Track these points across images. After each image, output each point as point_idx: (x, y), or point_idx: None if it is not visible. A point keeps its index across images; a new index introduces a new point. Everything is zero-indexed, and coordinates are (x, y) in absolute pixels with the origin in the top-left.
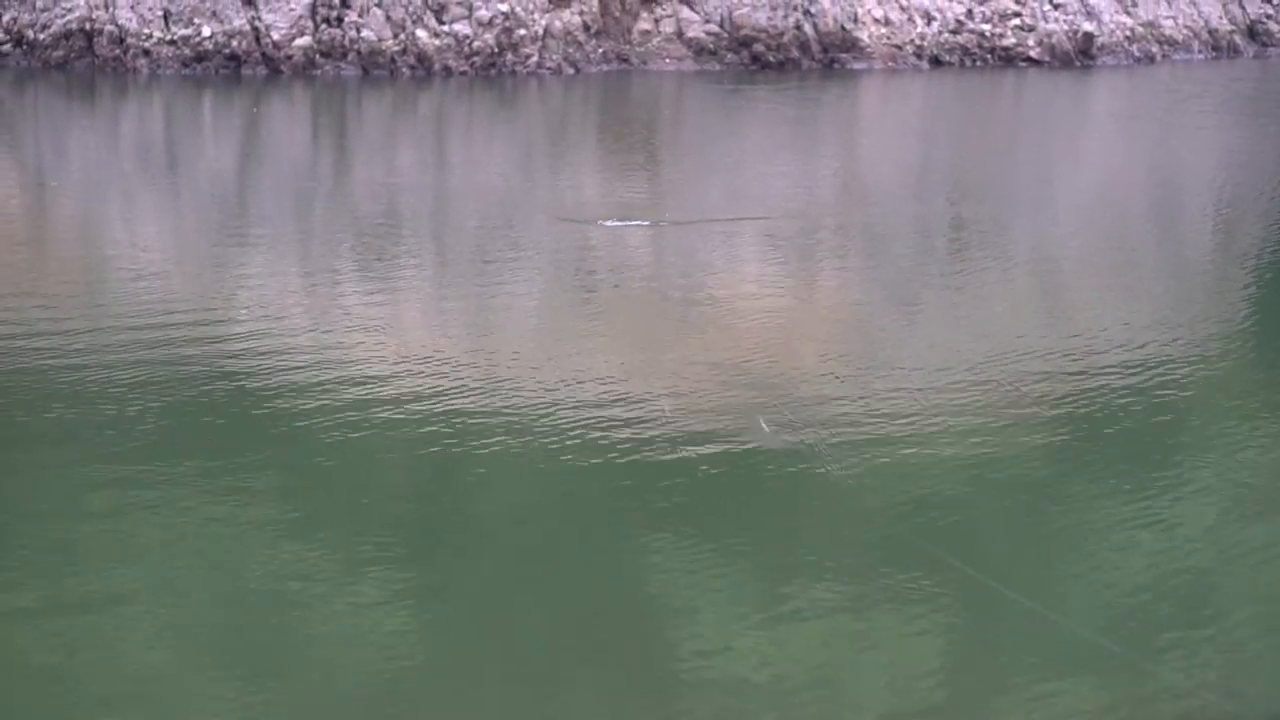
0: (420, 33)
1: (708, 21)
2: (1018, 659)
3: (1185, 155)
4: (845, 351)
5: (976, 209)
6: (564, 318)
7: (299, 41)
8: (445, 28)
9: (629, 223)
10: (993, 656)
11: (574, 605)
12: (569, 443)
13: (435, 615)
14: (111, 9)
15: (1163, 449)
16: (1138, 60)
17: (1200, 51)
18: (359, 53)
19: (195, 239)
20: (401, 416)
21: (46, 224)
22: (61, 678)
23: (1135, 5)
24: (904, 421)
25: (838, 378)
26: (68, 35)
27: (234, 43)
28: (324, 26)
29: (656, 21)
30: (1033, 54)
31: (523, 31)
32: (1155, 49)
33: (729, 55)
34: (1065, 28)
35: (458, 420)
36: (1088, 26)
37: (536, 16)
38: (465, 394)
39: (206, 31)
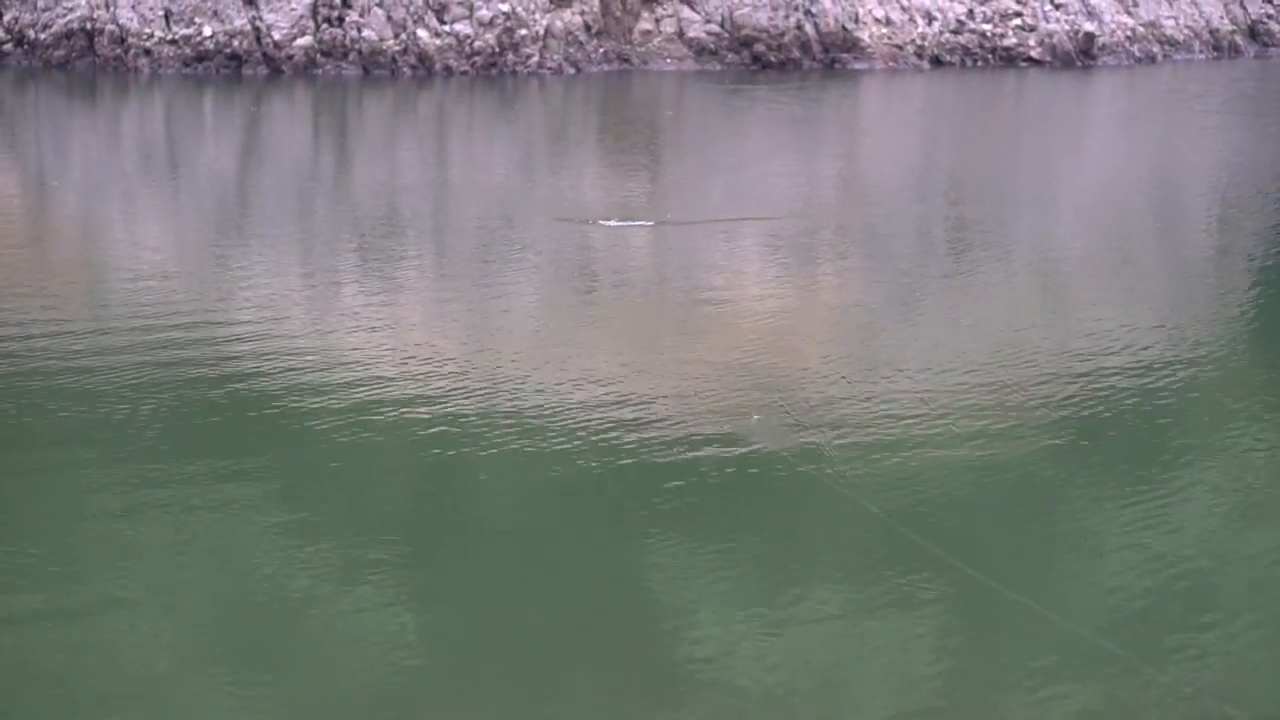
0: (421, 32)
1: (708, 21)
2: (1019, 661)
3: (1187, 155)
4: (848, 352)
5: (979, 209)
6: (565, 318)
7: (300, 41)
8: (446, 27)
9: (630, 223)
10: (994, 659)
11: (575, 606)
12: (570, 443)
13: (437, 616)
14: (112, 8)
15: (1165, 451)
16: (1139, 60)
17: (1201, 52)
18: (360, 52)
19: (196, 239)
20: (404, 417)
21: (48, 224)
22: (64, 679)
23: (1136, 5)
24: (907, 422)
25: (842, 378)
26: (69, 35)
27: (235, 42)
28: (325, 26)
29: (657, 21)
30: (1034, 54)
31: (524, 31)
32: (1156, 49)
33: (730, 55)
34: (1066, 28)
35: (460, 421)
36: (1089, 26)
37: (537, 16)
38: (467, 395)
39: (207, 31)
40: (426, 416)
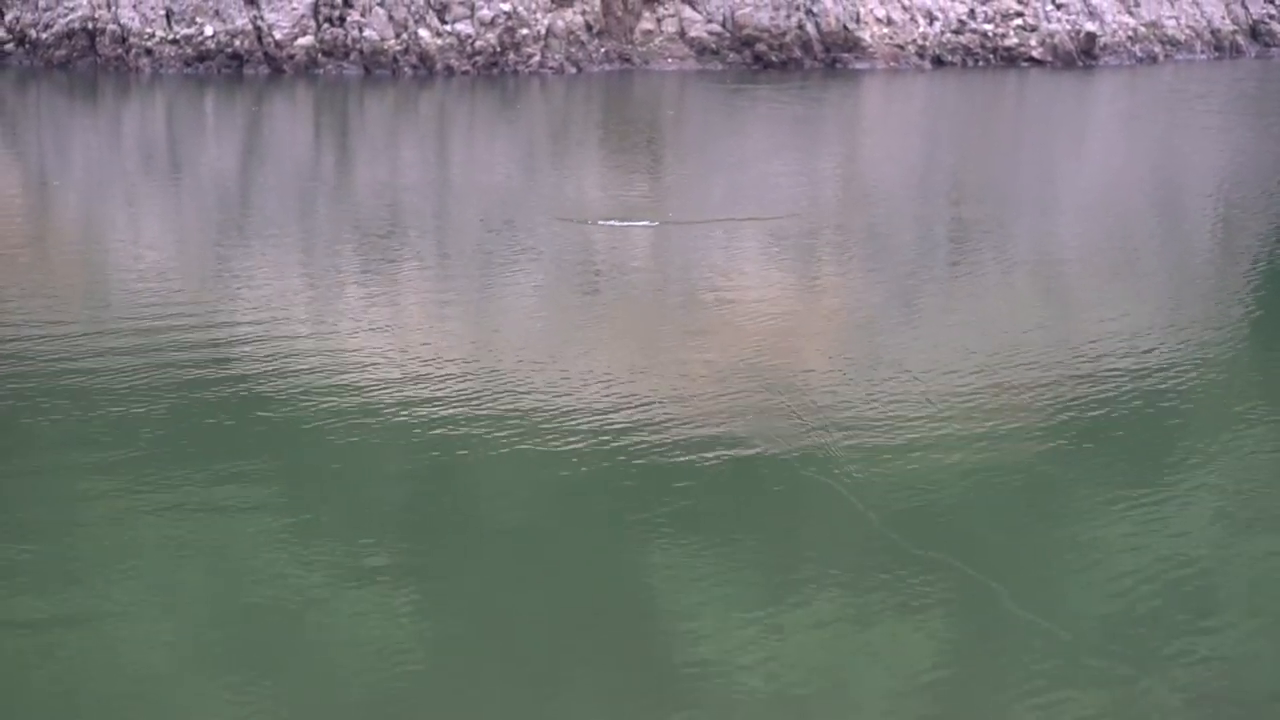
0: (422, 32)
1: (710, 21)
2: (1021, 664)
3: (1189, 156)
4: (851, 352)
5: (980, 210)
6: (567, 318)
7: (301, 41)
8: (447, 27)
9: (631, 223)
10: (996, 661)
11: (576, 607)
12: (572, 444)
13: (437, 616)
14: (114, 8)
15: (1169, 453)
16: (1140, 60)
17: (1202, 52)
18: (361, 52)
19: (198, 239)
20: (405, 418)
21: (50, 224)
22: (64, 680)
23: (1138, 5)
24: (912, 424)
25: (846, 379)
26: (70, 34)
27: (236, 42)
28: (326, 26)
29: (659, 21)
30: (1035, 54)
31: (525, 31)
32: (1158, 49)
33: (731, 55)
34: (1068, 28)
35: (462, 422)
36: (1090, 26)
37: (539, 16)
38: (469, 395)
39: (209, 31)
40: (428, 417)
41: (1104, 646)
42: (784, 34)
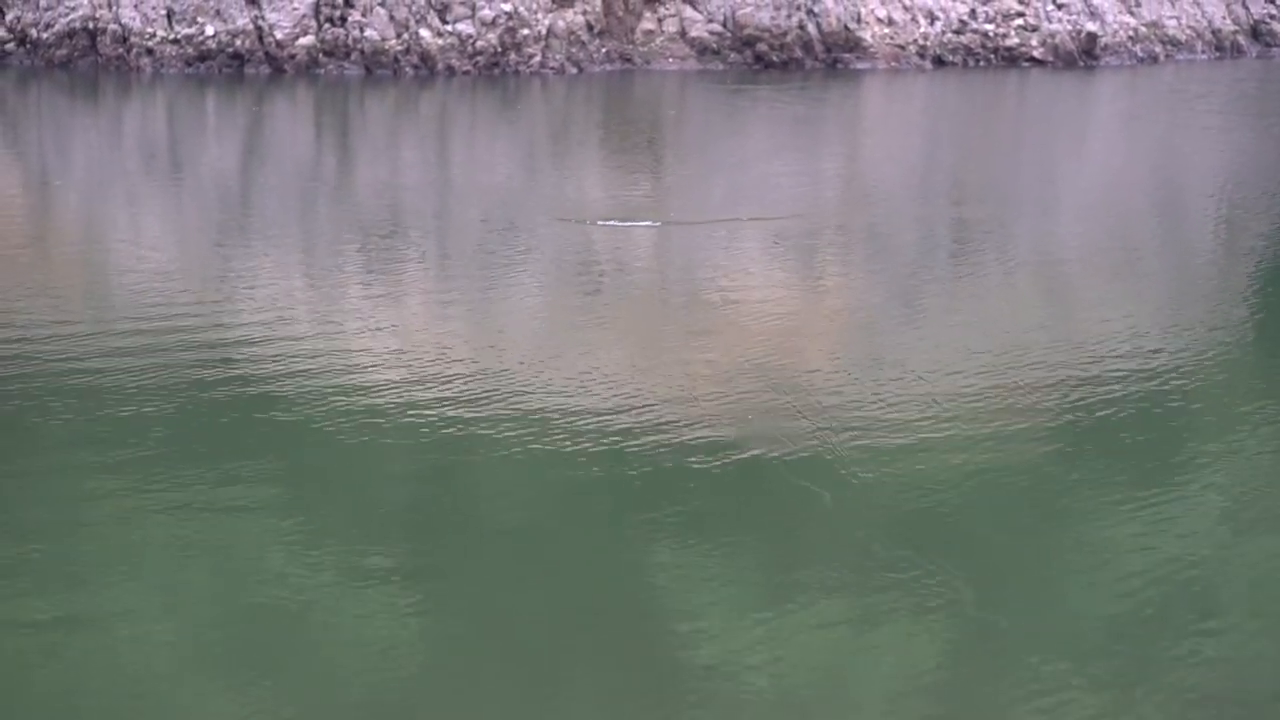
0: (423, 32)
1: (711, 21)
2: (1023, 664)
3: (1191, 156)
4: (855, 353)
5: (983, 210)
6: (569, 318)
7: (302, 41)
8: (448, 27)
9: (633, 223)
10: (998, 661)
11: (578, 607)
12: (574, 444)
13: (438, 617)
14: (115, 8)
15: (1173, 454)
16: (1141, 60)
17: (1203, 52)
18: (362, 52)
19: (200, 239)
20: (407, 418)
21: (52, 224)
22: (66, 681)
23: (1138, 5)
24: (916, 424)
25: (850, 380)
26: (71, 34)
27: (237, 42)
28: (327, 26)
29: (660, 21)
30: (1036, 54)
31: (526, 31)
32: (1158, 49)
33: (732, 55)
34: (1068, 28)
35: (464, 422)
36: (1091, 26)
37: (540, 16)
38: (471, 395)
39: (210, 30)
40: (432, 417)
41: (1107, 647)
42: (785, 34)
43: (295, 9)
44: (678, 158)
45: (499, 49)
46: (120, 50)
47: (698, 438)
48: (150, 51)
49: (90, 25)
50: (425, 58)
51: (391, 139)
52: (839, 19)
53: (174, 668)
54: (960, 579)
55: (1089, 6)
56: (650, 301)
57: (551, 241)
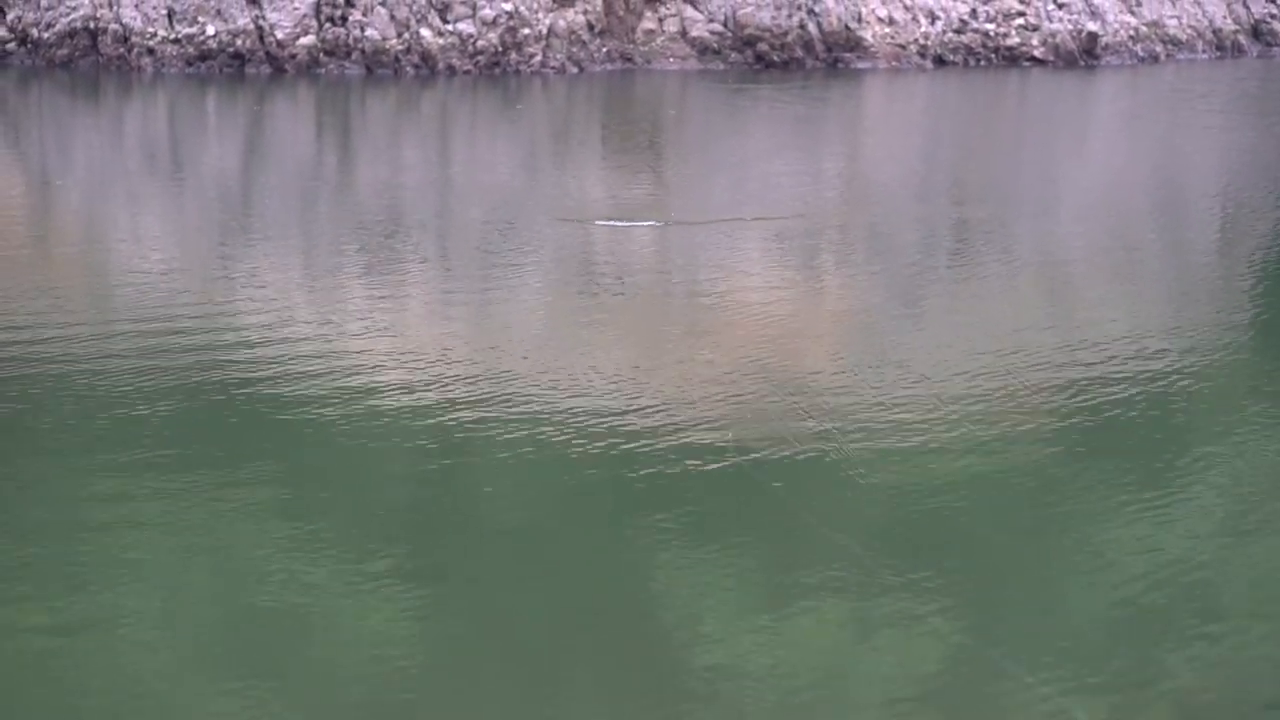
0: (424, 32)
1: (711, 21)
2: (1021, 655)
3: (1192, 155)
4: (859, 354)
5: (985, 210)
6: (571, 319)
7: (303, 40)
8: (449, 27)
9: (635, 223)
10: (1000, 665)
11: (577, 607)
12: (575, 444)
13: (439, 617)
14: (116, 8)
15: (1177, 456)
16: (1141, 60)
17: (1204, 51)
18: (363, 52)
19: (201, 239)
20: (412, 420)
21: (53, 223)
22: (65, 683)
23: (1139, 5)
24: (920, 425)
25: (854, 381)
26: (72, 34)
27: (238, 41)
28: (328, 25)
29: (660, 21)
30: (1037, 54)
31: (527, 31)
32: (1159, 49)
33: (733, 55)
34: (1069, 27)
35: (468, 424)
36: (1092, 26)
37: (540, 16)
38: (473, 396)
39: (210, 30)
40: (431, 418)
41: (1109, 650)
42: (785, 34)
43: (296, 9)
44: (679, 157)
45: (500, 48)
46: (121, 50)
47: (700, 438)
48: (151, 51)
49: (91, 25)
50: (426, 57)
51: (392, 138)
52: (840, 19)
53: (175, 669)
54: (963, 582)
55: (1090, 6)
56: (652, 301)
57: (553, 242)
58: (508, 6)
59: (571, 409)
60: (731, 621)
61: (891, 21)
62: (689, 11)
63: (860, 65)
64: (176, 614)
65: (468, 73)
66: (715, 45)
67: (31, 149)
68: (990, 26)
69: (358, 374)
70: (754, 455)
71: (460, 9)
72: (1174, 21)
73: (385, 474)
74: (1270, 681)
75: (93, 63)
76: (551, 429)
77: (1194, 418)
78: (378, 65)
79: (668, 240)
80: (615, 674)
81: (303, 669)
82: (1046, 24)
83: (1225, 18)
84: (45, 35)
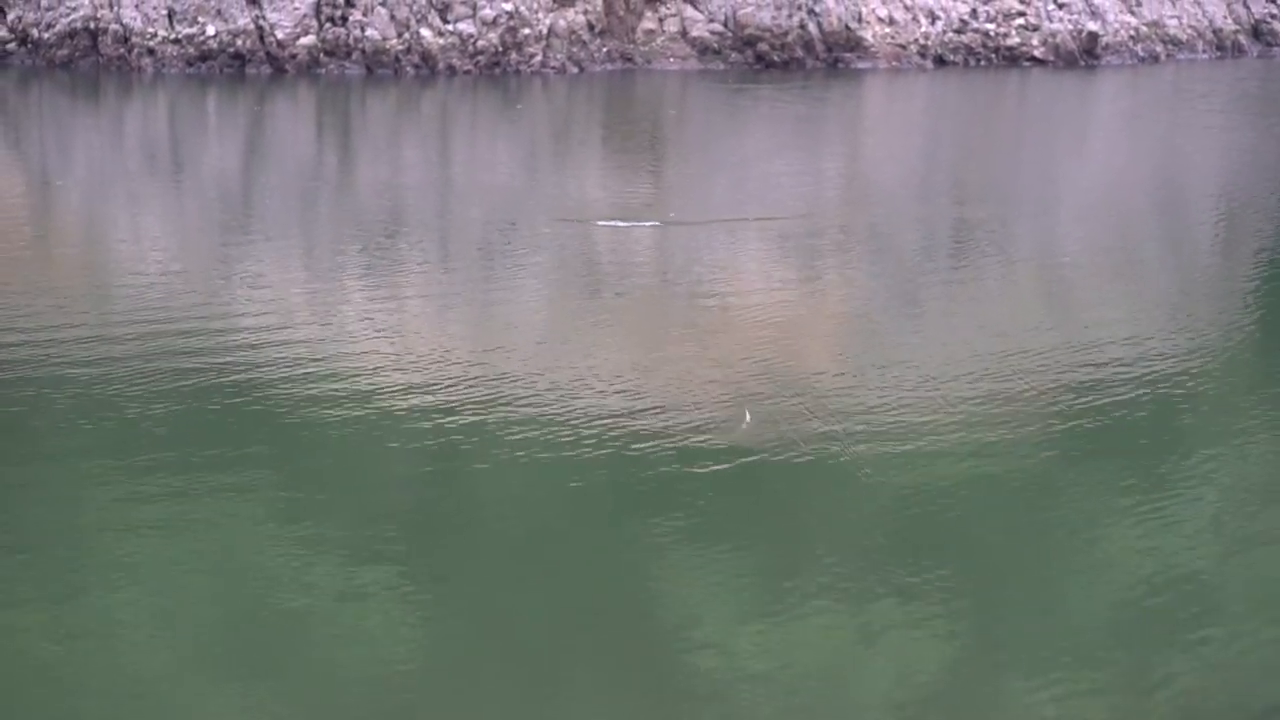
0: (424, 32)
1: (712, 21)
2: (1026, 670)
3: (1193, 155)
4: (862, 355)
5: (986, 210)
6: (573, 319)
7: (303, 40)
8: (449, 27)
9: (636, 223)
10: (1001, 668)
11: (578, 607)
12: (581, 446)
13: (439, 617)
14: (116, 8)
15: (1180, 459)
16: (1142, 60)
17: (1204, 51)
18: (363, 52)
19: (202, 240)
20: (413, 422)
21: (55, 224)
22: (65, 679)
23: (1139, 5)
24: (923, 427)
25: (858, 382)
26: (72, 34)
27: (238, 42)
28: (328, 25)
29: (660, 21)
30: (1037, 54)
31: (527, 31)
32: (1159, 49)
33: (733, 55)
34: (1069, 27)
35: (469, 425)
36: (1092, 26)
37: (541, 16)
38: (476, 397)
39: (211, 30)
40: (433, 419)
41: (1109, 654)
42: (786, 33)
43: (296, 9)
44: (679, 157)
45: (500, 48)
46: (121, 50)
47: (702, 439)
48: (151, 51)
49: (91, 25)
50: (426, 57)
51: (393, 139)
52: (840, 19)
53: (176, 670)
54: (965, 585)
55: (1090, 6)
56: (654, 302)
57: (554, 242)
58: (508, 6)
59: (573, 410)
60: (733, 623)
61: (892, 21)
62: (689, 11)
63: (860, 65)
64: (178, 615)
65: (468, 73)
66: (715, 45)
67: (32, 149)
68: (990, 26)
69: (359, 375)
70: (758, 456)
71: (460, 9)
72: (1174, 21)
73: (386, 475)
74: (1272, 684)
75: (93, 63)
76: (553, 430)
77: (1196, 420)
78: (378, 65)
79: (669, 240)
80: (616, 675)
81: (304, 670)
82: (1047, 24)
83: (1225, 18)
84: (45, 35)
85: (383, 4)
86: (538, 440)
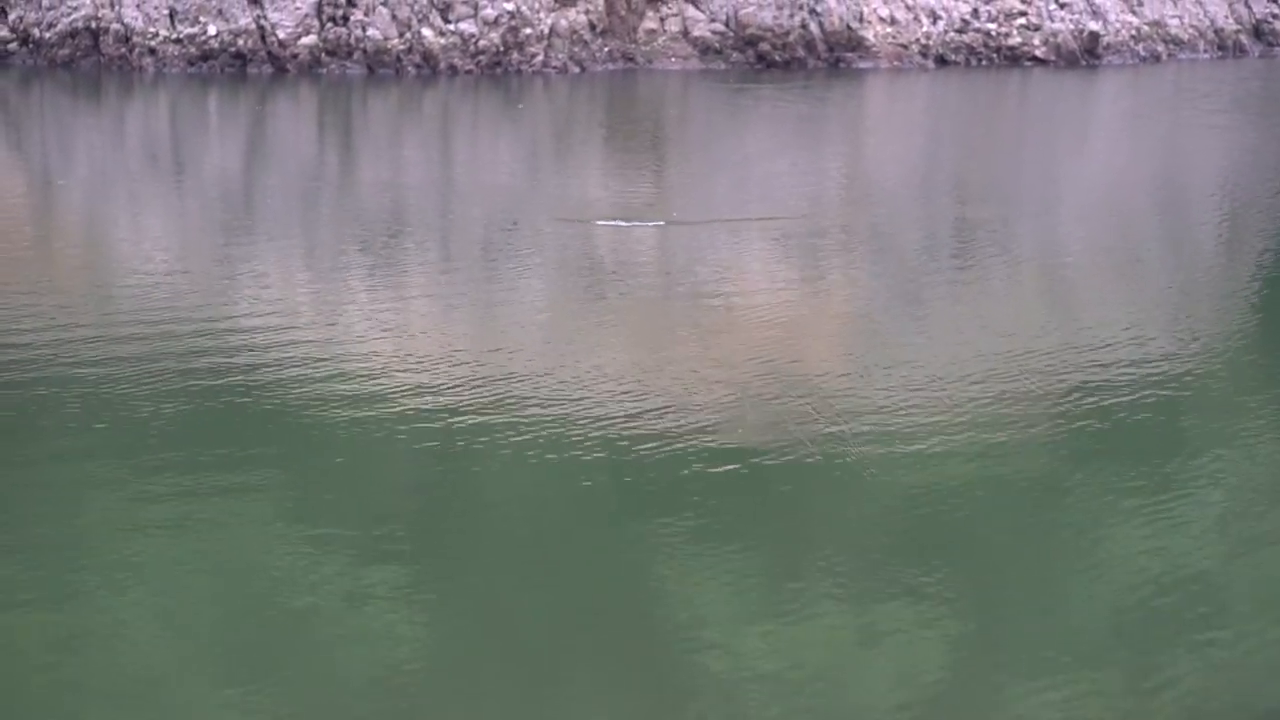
0: (426, 31)
1: (713, 20)
2: (1024, 657)
3: (1196, 155)
4: (866, 356)
5: (988, 210)
6: (576, 319)
7: (304, 40)
8: (451, 26)
9: (639, 223)
10: (1003, 670)
11: (583, 605)
12: (583, 446)
13: (440, 617)
14: (117, 7)
15: (1183, 462)
16: (1143, 60)
17: (1206, 51)
18: (364, 51)
19: (204, 239)
20: (413, 422)
21: (57, 223)
22: (66, 677)
23: (1141, 4)
24: (927, 428)
25: (862, 383)
26: (73, 34)
27: (239, 41)
28: (329, 25)
29: (662, 20)
30: (1038, 53)
31: (528, 30)
32: (1161, 48)
33: (734, 54)
34: (1071, 27)
35: (472, 426)
36: (1093, 26)
37: (542, 15)
38: (479, 397)
39: (212, 30)
40: (436, 420)
41: (1112, 655)
42: (787, 33)
43: (297, 8)
44: (681, 157)
45: (501, 48)
46: (123, 50)
47: (708, 439)
48: (153, 51)
49: (93, 25)
50: (427, 57)
51: (394, 138)
52: (841, 18)
53: (180, 670)
54: (967, 587)
55: (1091, 6)
56: (657, 302)
57: (556, 242)
58: (509, 6)
59: (579, 410)
60: (738, 623)
61: (893, 21)
62: (690, 11)
63: (862, 65)
64: (182, 616)
65: (469, 72)
66: (717, 45)
67: (33, 149)
68: (992, 26)
69: (364, 376)
70: (764, 456)
71: (462, 9)
72: (1175, 21)
73: (392, 475)
74: (1277, 685)
75: (94, 63)
76: (559, 430)
77: (1201, 420)
78: (379, 65)
79: (671, 240)
80: (622, 676)
81: (308, 670)
82: (1048, 24)
83: (1227, 17)
84: (47, 35)
85: (384, 4)
86: (543, 441)
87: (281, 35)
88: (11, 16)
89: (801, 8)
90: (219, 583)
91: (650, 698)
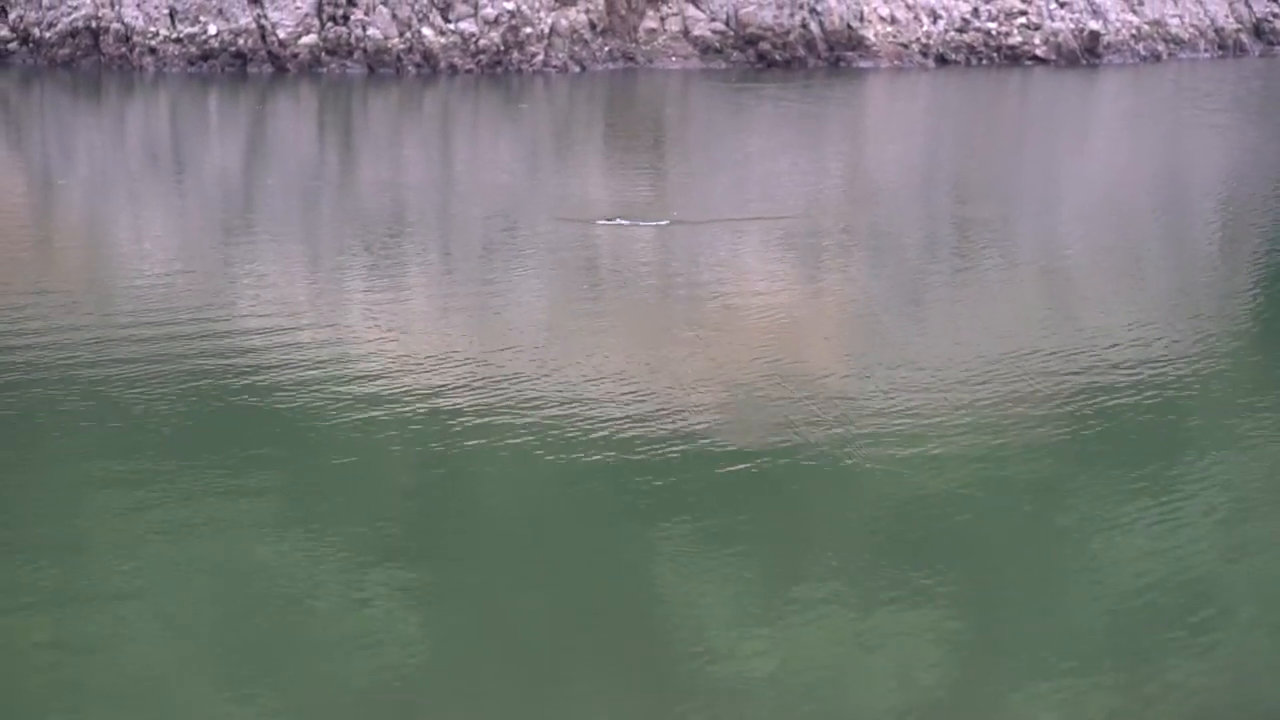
0: (426, 31)
1: (713, 20)
2: (1025, 658)
3: (1197, 154)
4: (868, 354)
5: (989, 209)
6: (579, 318)
7: (305, 39)
8: (451, 26)
9: (640, 222)
10: (1003, 670)
11: (583, 606)
12: (583, 444)
13: (440, 616)
14: (117, 7)
15: (1185, 464)
16: (1143, 59)
17: (1206, 50)
18: (365, 51)
19: (205, 239)
20: (414, 422)
21: (58, 223)
22: (67, 675)
23: (1141, 4)
24: (929, 429)
25: (864, 383)
26: (74, 33)
27: (240, 41)
28: (330, 24)
29: (662, 20)
30: (1038, 52)
31: (529, 30)
32: (1161, 48)
33: (735, 54)
34: (1071, 26)
35: (471, 425)
36: (1094, 25)
37: (542, 15)
38: (481, 397)
39: (212, 29)
40: (438, 419)
41: (1112, 655)
42: (788, 33)
43: (298, 8)
44: (682, 156)
45: (501, 47)
46: (123, 49)
47: (706, 439)
48: (153, 51)
49: (93, 24)
50: (428, 56)
51: (395, 138)
52: (842, 18)
53: (175, 663)
54: (968, 588)
55: (1091, 5)
56: (659, 301)
57: (557, 241)
58: (509, 5)
59: (580, 411)
60: (738, 624)
61: (893, 20)
62: (691, 10)
63: (862, 64)
64: (182, 616)
65: (469, 72)
66: (717, 44)
67: (34, 148)
68: (992, 25)
69: (365, 377)
70: (765, 458)
71: (462, 8)
72: (1176, 20)
73: (392, 476)
74: (1275, 687)
75: (94, 62)
76: (560, 431)
77: (1201, 421)
78: (379, 64)
79: (672, 239)
80: (621, 677)
81: (308, 670)
82: (1048, 23)
83: (1227, 17)
84: (47, 35)
85: (384, 3)
86: (543, 442)
87: (282, 35)
88: (12, 16)
89: (802, 7)
90: (219, 583)
91: (650, 698)
